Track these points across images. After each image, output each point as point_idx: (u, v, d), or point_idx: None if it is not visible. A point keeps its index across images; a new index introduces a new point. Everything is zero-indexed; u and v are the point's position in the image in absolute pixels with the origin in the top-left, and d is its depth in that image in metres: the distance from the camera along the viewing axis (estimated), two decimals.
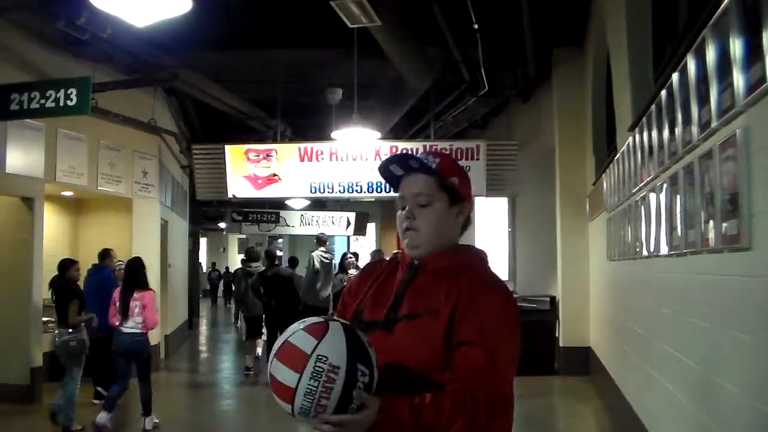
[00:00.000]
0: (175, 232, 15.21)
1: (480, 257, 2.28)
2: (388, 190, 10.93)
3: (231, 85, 12.42)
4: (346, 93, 12.13)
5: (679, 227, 4.17)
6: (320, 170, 11.27)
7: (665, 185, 4.59)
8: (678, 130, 4.13)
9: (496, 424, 2.03)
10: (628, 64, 6.50)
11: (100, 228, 11.76)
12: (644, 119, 5.33)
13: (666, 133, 4.49)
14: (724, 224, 3.24)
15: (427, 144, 11.43)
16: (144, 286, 8.14)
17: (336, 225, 21.65)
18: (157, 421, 8.04)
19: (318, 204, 20.87)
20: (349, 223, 21.67)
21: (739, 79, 2.97)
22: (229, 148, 11.43)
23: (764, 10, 2.63)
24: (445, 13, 8.83)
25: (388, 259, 2.43)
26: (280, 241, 32.41)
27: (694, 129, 3.73)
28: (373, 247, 20.84)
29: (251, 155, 11.37)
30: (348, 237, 25.89)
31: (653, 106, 4.93)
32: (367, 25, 8.05)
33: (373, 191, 11.02)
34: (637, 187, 5.70)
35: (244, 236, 32.23)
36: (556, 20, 9.89)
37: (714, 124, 3.36)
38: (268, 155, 11.34)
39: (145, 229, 12.03)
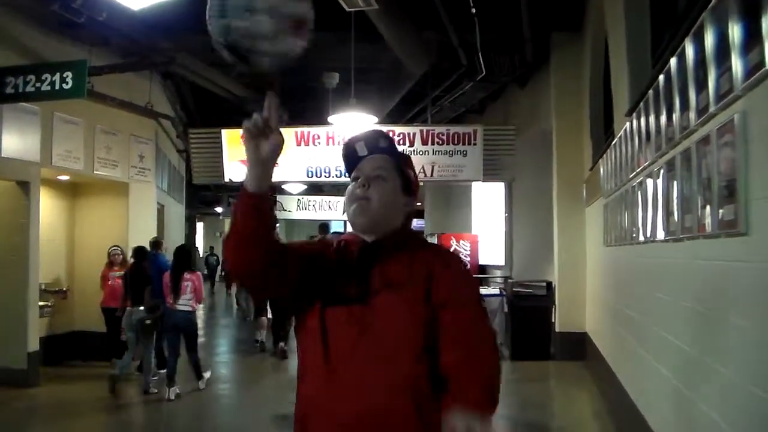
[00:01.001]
0: (172, 217, 15.20)
1: (421, 236, 2.51)
2: None
3: (228, 69, 12.38)
4: (343, 77, 12.12)
5: (676, 213, 4.16)
6: (317, 154, 11.27)
7: (662, 170, 4.58)
8: (676, 115, 4.12)
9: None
10: (626, 49, 6.47)
11: (96, 212, 11.75)
12: (642, 104, 5.32)
13: (663, 118, 4.48)
14: (721, 210, 3.23)
15: (425, 128, 11.40)
16: (192, 268, 9.23)
17: (333, 209, 21.66)
18: (207, 376, 9.37)
19: (315, 188, 20.89)
20: None
21: (737, 64, 2.96)
22: (225, 132, 11.42)
23: None
24: None
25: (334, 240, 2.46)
26: (276, 225, 32.39)
27: (692, 114, 3.72)
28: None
29: None
30: (345, 222, 25.90)
31: (651, 91, 4.91)
32: (365, 9, 8.01)
33: None
34: (634, 173, 5.69)
35: None
36: (554, 4, 9.86)
37: (712, 108, 3.35)
38: None
39: (141, 214, 12.03)
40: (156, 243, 10.94)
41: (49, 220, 10.51)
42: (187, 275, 9.00)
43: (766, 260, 2.80)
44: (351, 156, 2.38)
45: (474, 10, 8.93)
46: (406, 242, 2.31)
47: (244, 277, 2.16)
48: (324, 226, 15.25)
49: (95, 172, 10.79)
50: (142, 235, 11.88)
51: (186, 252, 9.49)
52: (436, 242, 2.58)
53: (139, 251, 9.88)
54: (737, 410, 3.15)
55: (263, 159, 1.99)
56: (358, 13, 8.49)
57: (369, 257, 2.26)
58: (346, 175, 2.40)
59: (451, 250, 2.43)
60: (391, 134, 10.47)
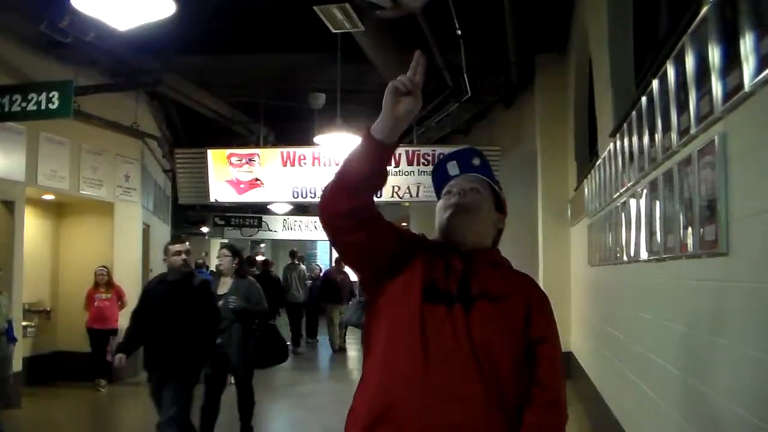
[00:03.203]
0: (157, 237, 15.12)
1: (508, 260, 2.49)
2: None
3: (214, 90, 12.40)
4: (329, 97, 12.15)
5: (659, 233, 4.20)
6: (303, 175, 11.29)
7: (645, 191, 4.62)
8: (658, 137, 4.16)
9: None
10: (610, 71, 6.54)
11: (81, 232, 11.71)
12: (625, 125, 5.36)
13: (646, 139, 4.53)
14: (702, 230, 3.27)
15: (410, 149, 11.45)
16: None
17: (318, 230, 21.62)
18: None
19: (300, 209, 20.88)
20: None
21: (717, 86, 3.00)
22: (211, 153, 11.43)
23: (742, 18, 2.66)
24: (428, 19, 8.86)
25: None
26: (262, 245, 32.32)
27: (674, 135, 3.76)
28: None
29: (234, 159, 11.38)
30: (330, 248, 25.84)
31: (634, 113, 4.96)
32: (350, 31, 8.06)
33: None
34: (618, 193, 5.73)
35: (226, 241, 32.05)
36: (539, 26, 9.94)
37: (693, 130, 3.39)
38: (250, 160, 11.36)
39: (126, 233, 11.99)
40: (198, 264, 13.68)
41: (33, 240, 10.46)
42: None
43: (745, 280, 2.83)
44: (441, 176, 2.44)
45: (459, 32, 8.99)
46: (499, 262, 2.39)
47: (337, 225, 2.13)
48: (293, 252, 17.83)
49: (80, 191, 10.76)
50: (127, 255, 11.85)
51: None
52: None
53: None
54: (720, 430, 3.17)
55: (398, 115, 2.05)
56: (345, 34, 8.54)
57: (467, 263, 2.26)
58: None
59: None
60: None
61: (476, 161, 2.43)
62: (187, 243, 6.50)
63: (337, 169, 2.12)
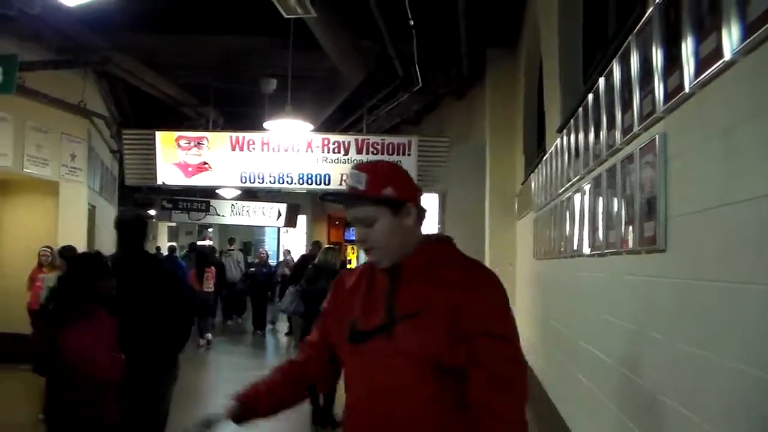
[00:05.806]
0: (104, 218, 14.93)
1: (449, 244, 2.39)
2: (319, 183, 10.94)
3: (164, 71, 12.25)
4: (280, 83, 12.08)
5: (601, 228, 4.27)
6: (251, 160, 11.22)
7: (589, 187, 4.70)
8: (603, 134, 4.22)
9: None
10: (559, 67, 6.61)
11: (24, 211, 11.49)
12: (572, 121, 5.43)
13: (592, 135, 4.59)
14: (642, 226, 3.34)
15: (360, 137, 11.45)
16: (210, 265, 14.62)
17: (267, 216, 21.53)
18: (210, 336, 13.94)
19: (249, 194, 20.76)
20: (279, 215, 21.56)
21: (659, 86, 3.06)
22: (159, 135, 11.29)
23: (684, 20, 2.72)
24: (381, 8, 8.86)
25: (356, 268, 2.54)
26: (210, 230, 32.04)
27: (617, 133, 3.83)
28: (303, 240, 20.91)
29: (182, 142, 11.26)
30: (279, 228, 25.71)
31: (581, 109, 5.03)
32: (303, 17, 8.01)
33: (304, 183, 11.00)
34: (563, 188, 5.81)
35: (174, 224, 31.72)
36: (491, 21, 9.99)
37: (635, 129, 3.45)
38: (199, 143, 11.25)
39: (71, 214, 11.79)
40: (172, 249, 17.33)
41: None
42: (207, 269, 14.13)
43: (681, 276, 2.90)
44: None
45: (412, 22, 9.00)
46: (425, 263, 2.27)
47: None
48: (231, 240, 20.85)
49: (24, 169, 10.55)
50: (72, 236, 11.65)
51: (207, 253, 16.18)
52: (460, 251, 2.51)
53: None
54: (658, 424, 3.24)
55: None
56: (297, 20, 8.48)
57: (392, 284, 2.27)
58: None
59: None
60: (326, 142, 10.53)
61: (351, 182, 2.26)
62: None
63: None
